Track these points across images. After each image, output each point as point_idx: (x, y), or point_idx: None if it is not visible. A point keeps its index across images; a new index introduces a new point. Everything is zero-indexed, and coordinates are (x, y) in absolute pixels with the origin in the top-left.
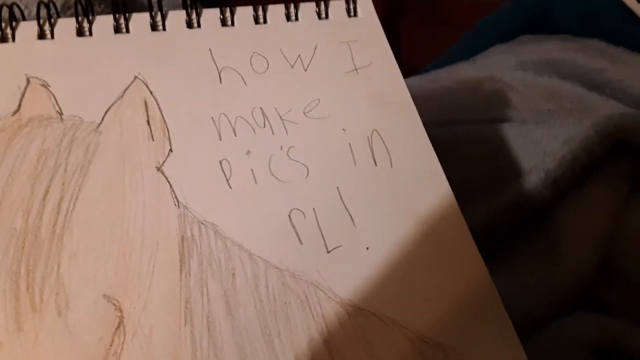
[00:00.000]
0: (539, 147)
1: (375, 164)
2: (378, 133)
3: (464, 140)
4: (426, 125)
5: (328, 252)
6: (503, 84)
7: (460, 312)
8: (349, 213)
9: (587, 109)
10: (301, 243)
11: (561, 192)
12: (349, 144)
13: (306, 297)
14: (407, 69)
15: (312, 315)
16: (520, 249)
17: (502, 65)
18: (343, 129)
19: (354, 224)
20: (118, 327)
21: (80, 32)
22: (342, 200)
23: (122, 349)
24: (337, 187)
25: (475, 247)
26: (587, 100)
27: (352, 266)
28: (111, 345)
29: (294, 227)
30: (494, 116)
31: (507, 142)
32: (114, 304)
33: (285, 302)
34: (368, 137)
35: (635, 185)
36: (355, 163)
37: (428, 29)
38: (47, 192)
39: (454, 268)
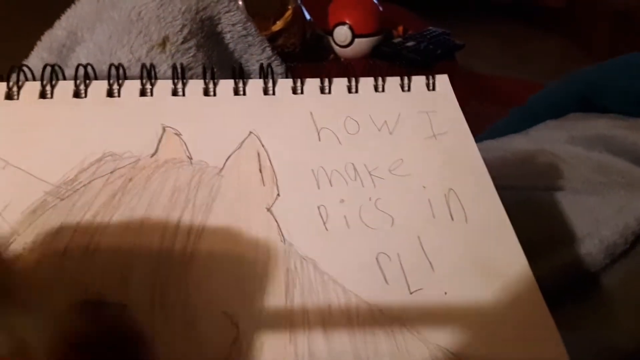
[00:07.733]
0: (592, 216)
1: (452, 219)
2: (454, 191)
3: (517, 205)
4: None
5: (410, 293)
6: (554, 156)
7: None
8: (428, 260)
9: (638, 184)
10: (387, 283)
11: (614, 258)
12: (429, 199)
13: (392, 331)
14: None
15: (397, 348)
16: (570, 310)
17: (552, 139)
18: (423, 186)
19: (433, 270)
20: (235, 341)
21: (206, 92)
22: (422, 249)
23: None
24: (418, 237)
25: (541, 297)
26: (638, 176)
27: (432, 308)
28: (230, 355)
29: (380, 268)
30: (546, 185)
31: (560, 209)
32: (232, 321)
33: (374, 334)
34: (445, 194)
35: None
36: (434, 216)
37: (472, 103)
38: (179, 221)
39: (521, 317)
